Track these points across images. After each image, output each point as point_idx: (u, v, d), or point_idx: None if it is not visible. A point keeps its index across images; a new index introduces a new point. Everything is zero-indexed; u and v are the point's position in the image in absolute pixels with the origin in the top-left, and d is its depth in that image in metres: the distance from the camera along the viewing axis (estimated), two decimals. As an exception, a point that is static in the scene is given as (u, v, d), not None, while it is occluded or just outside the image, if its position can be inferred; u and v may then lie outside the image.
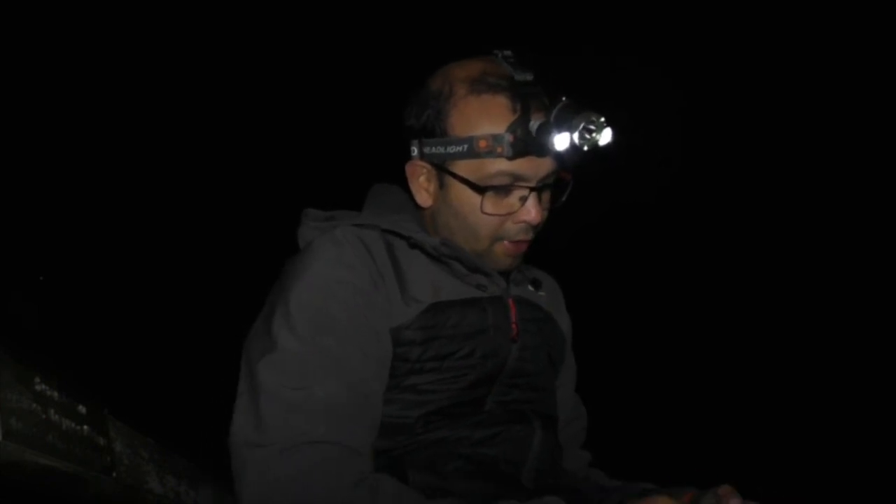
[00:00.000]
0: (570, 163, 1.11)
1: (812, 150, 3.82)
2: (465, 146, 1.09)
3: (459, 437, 1.09)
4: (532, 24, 3.64)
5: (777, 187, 3.93)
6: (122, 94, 4.07)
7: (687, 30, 3.70)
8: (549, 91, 1.10)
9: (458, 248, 1.15)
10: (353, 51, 3.99)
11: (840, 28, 3.53)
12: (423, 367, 1.09)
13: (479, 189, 1.10)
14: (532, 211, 1.11)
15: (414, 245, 1.15)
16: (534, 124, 1.06)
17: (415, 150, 1.15)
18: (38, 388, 0.66)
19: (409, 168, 1.17)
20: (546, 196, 1.16)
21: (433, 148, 1.12)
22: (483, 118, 1.09)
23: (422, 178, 1.17)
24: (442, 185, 1.15)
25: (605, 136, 1.05)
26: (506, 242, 1.15)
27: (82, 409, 0.74)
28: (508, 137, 1.06)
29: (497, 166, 1.08)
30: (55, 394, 0.69)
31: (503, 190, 1.11)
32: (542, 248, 1.24)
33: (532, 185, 1.11)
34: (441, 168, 1.13)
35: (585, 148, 1.04)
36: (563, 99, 1.06)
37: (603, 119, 1.04)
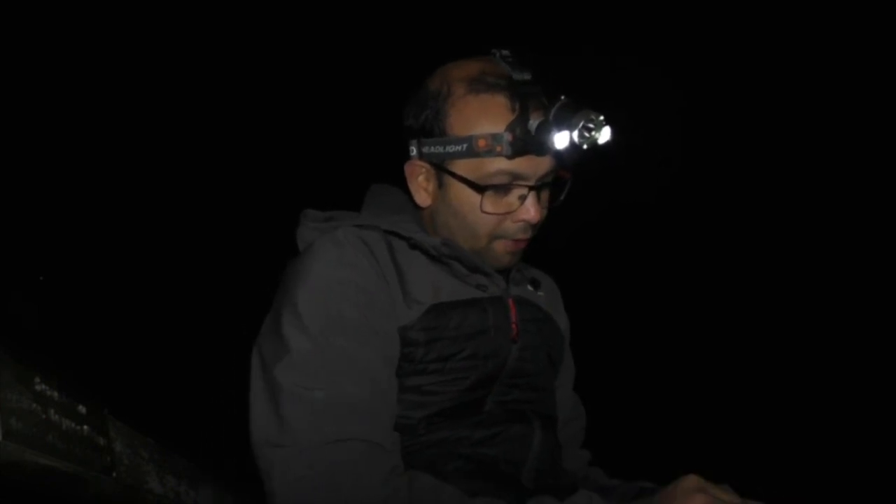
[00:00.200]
0: (570, 161, 1.11)
1: (812, 150, 3.82)
2: (465, 145, 1.09)
3: (460, 438, 1.10)
4: (532, 25, 3.64)
5: (776, 187, 3.93)
6: (122, 94, 4.07)
7: (687, 30, 3.70)
8: (547, 90, 1.10)
9: (459, 248, 1.15)
10: (351, 51, 3.99)
11: (840, 28, 3.53)
12: (427, 369, 1.09)
13: (479, 188, 1.10)
14: (531, 210, 1.12)
15: (414, 246, 1.15)
16: (533, 123, 1.06)
17: (414, 150, 1.15)
18: (38, 388, 0.66)
19: (408, 168, 1.17)
20: (545, 195, 1.16)
21: (432, 147, 1.13)
22: (482, 117, 1.09)
23: (421, 178, 1.17)
24: (441, 185, 1.15)
25: (605, 135, 1.05)
26: (505, 240, 1.15)
27: (82, 409, 0.74)
28: (507, 136, 1.07)
29: (496, 165, 1.09)
30: (55, 394, 0.69)
31: (502, 189, 1.11)
32: (540, 247, 1.24)
33: (531, 183, 1.11)
34: (440, 167, 1.13)
35: (585, 146, 1.04)
36: (562, 98, 1.06)
37: (602, 117, 1.05)
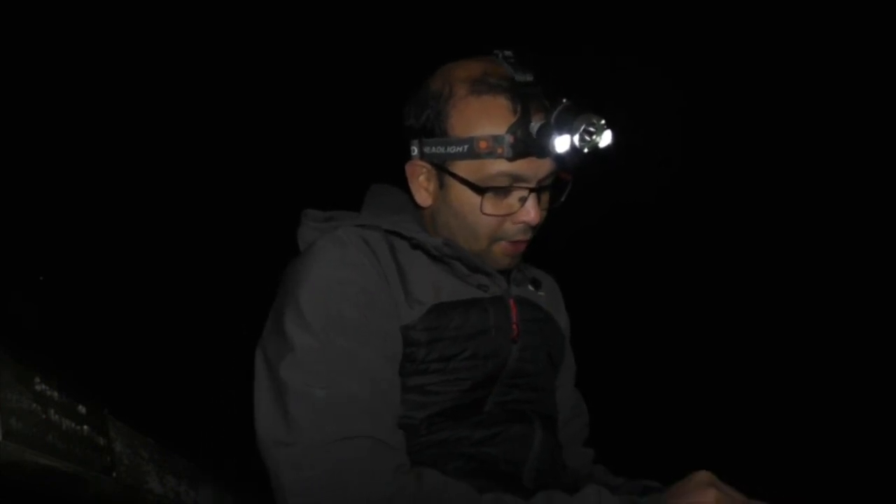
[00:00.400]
0: (571, 165, 1.11)
1: (812, 150, 3.82)
2: (466, 147, 1.09)
3: (460, 437, 1.10)
4: (532, 24, 3.64)
5: (776, 187, 3.93)
6: (122, 94, 4.07)
7: (687, 30, 3.70)
8: (549, 92, 1.10)
9: (460, 248, 1.15)
10: (352, 51, 3.99)
11: (840, 28, 3.53)
12: (428, 369, 1.09)
13: (480, 190, 1.10)
14: (531, 212, 1.12)
15: (416, 246, 1.15)
16: (534, 126, 1.06)
17: (415, 150, 1.15)
18: (38, 388, 0.66)
19: (408, 168, 1.17)
20: (545, 196, 1.16)
21: (433, 148, 1.13)
22: (483, 119, 1.09)
23: (421, 178, 1.17)
24: (442, 185, 1.15)
25: (606, 139, 1.06)
26: (504, 243, 1.15)
27: (82, 409, 0.74)
28: (509, 139, 1.06)
29: (497, 167, 1.09)
30: (55, 394, 0.69)
31: (503, 191, 1.11)
32: (540, 247, 1.24)
33: (531, 185, 1.11)
34: (441, 168, 1.13)
35: (585, 150, 1.05)
36: (564, 101, 1.06)
37: (603, 121, 1.05)
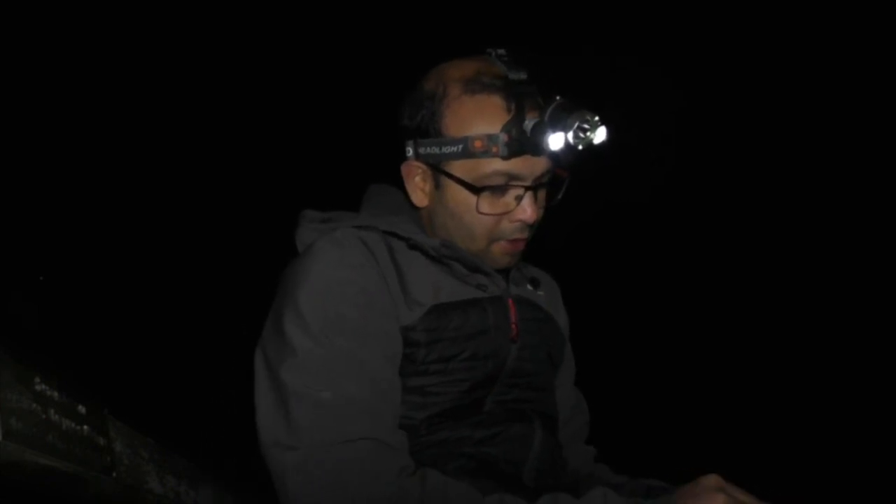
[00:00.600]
0: (566, 162, 1.11)
1: (808, 150, 3.82)
2: (461, 146, 1.09)
3: (460, 437, 1.10)
4: (532, 24, 3.64)
5: (772, 186, 3.94)
6: (121, 95, 4.08)
7: (685, 30, 3.70)
8: (543, 90, 1.10)
9: (458, 248, 1.15)
10: (347, 51, 3.99)
11: (838, 28, 3.53)
12: (428, 369, 1.09)
13: (475, 189, 1.10)
14: (528, 210, 1.11)
15: (413, 246, 1.15)
16: (528, 124, 1.06)
17: (410, 151, 1.15)
18: (38, 388, 0.66)
19: (404, 168, 1.17)
20: (542, 194, 1.16)
21: (428, 148, 1.12)
22: (478, 118, 1.09)
23: (417, 178, 1.17)
24: (438, 186, 1.15)
25: (600, 135, 1.05)
26: (503, 242, 1.15)
27: (82, 409, 0.74)
28: (503, 137, 1.06)
29: (492, 166, 1.08)
30: (55, 394, 0.69)
31: (499, 190, 1.11)
32: (538, 246, 1.24)
33: (527, 184, 1.11)
34: (436, 168, 1.13)
35: (580, 147, 1.04)
36: (558, 98, 1.06)
37: (598, 118, 1.04)
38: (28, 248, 3.95)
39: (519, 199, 1.11)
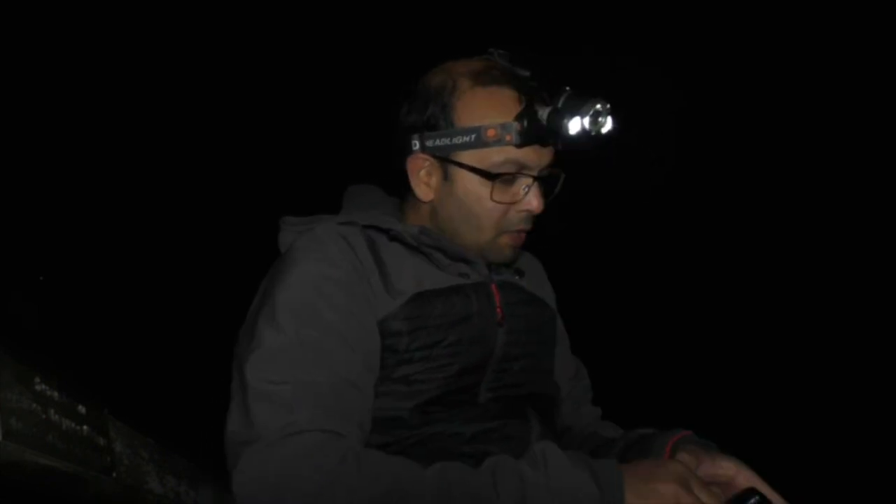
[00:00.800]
0: (579, 149, 1.12)
1: (807, 148, 3.83)
2: (473, 136, 1.10)
3: (457, 432, 1.10)
4: (532, 24, 3.64)
5: (772, 184, 3.94)
6: (120, 96, 4.08)
7: (685, 30, 3.70)
8: (546, 87, 1.12)
9: (438, 236, 1.16)
10: (342, 53, 3.99)
11: (838, 28, 3.54)
12: (412, 357, 1.09)
13: (490, 176, 1.11)
14: (534, 200, 1.14)
15: (394, 237, 1.16)
16: (542, 112, 1.07)
17: (416, 145, 1.16)
18: (38, 388, 0.66)
19: (409, 162, 1.18)
20: (544, 187, 1.18)
21: (437, 140, 1.13)
22: (490, 108, 1.11)
23: (422, 173, 1.18)
24: (446, 178, 1.15)
25: (609, 124, 1.08)
26: (508, 234, 1.17)
27: (82, 409, 0.74)
28: (517, 126, 1.08)
29: (504, 154, 1.10)
30: (55, 394, 0.69)
31: (509, 179, 1.12)
32: (536, 242, 1.26)
33: (535, 173, 1.13)
34: (446, 160, 1.14)
35: (593, 133, 1.06)
36: (568, 88, 1.08)
37: (609, 105, 1.07)
38: (28, 248, 3.95)
39: (527, 189, 1.13)
